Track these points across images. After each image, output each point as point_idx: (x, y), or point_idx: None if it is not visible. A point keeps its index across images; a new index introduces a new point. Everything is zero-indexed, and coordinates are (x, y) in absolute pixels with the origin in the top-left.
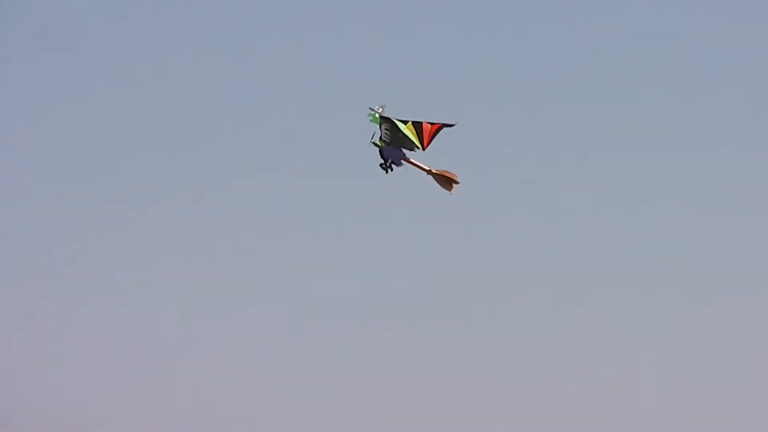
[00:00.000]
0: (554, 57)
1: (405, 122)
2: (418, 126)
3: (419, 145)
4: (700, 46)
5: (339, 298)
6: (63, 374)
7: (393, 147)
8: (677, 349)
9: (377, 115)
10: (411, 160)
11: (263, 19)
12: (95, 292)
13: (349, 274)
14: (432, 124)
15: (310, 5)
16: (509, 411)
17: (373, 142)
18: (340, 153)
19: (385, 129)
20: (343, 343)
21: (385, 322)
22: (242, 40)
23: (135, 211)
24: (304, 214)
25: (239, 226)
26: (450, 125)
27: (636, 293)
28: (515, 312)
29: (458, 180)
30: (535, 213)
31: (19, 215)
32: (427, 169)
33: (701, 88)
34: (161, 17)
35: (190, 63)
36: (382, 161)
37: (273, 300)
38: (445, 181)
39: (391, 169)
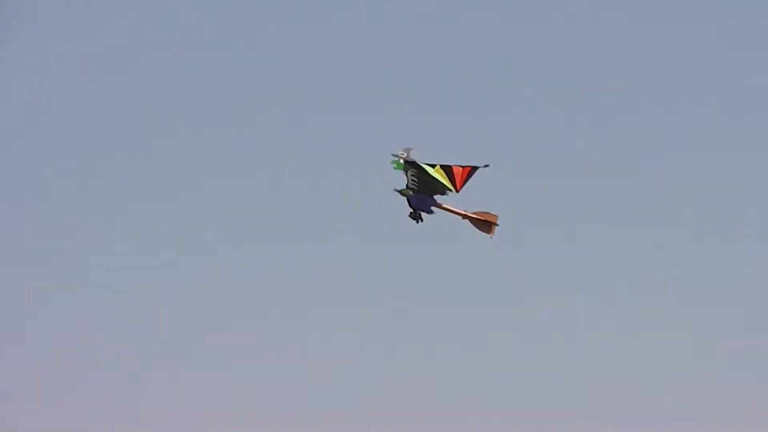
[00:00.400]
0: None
1: (433, 166)
2: (447, 169)
3: (451, 188)
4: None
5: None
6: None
7: (422, 194)
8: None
9: (401, 161)
10: (443, 205)
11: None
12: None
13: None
14: (463, 167)
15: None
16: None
17: (399, 191)
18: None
19: (412, 175)
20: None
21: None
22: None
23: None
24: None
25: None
26: (483, 167)
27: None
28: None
29: (498, 222)
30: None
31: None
32: (463, 213)
33: None
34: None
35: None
36: (412, 211)
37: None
38: (484, 223)
39: (422, 220)
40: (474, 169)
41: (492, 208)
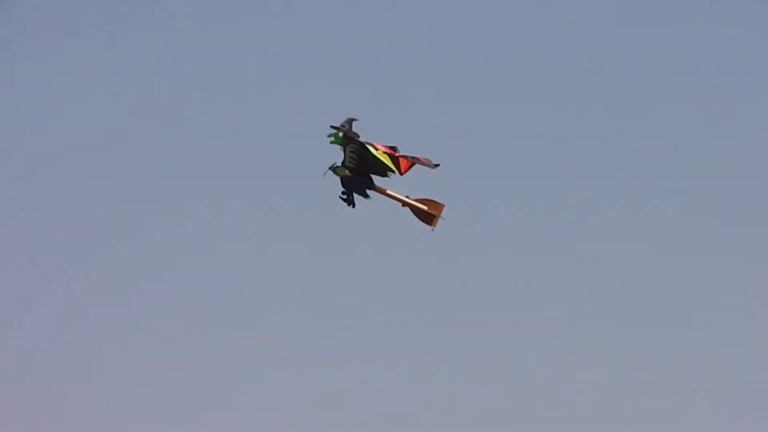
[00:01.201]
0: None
1: (368, 143)
2: (392, 158)
3: (394, 169)
4: None
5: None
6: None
7: (358, 175)
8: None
9: (340, 134)
10: (381, 188)
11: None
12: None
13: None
14: (410, 159)
15: None
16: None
17: (332, 169)
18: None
19: (350, 152)
20: None
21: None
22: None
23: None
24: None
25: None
26: (433, 166)
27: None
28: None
29: (442, 213)
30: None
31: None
32: (404, 199)
33: None
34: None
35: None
36: (344, 192)
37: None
38: (426, 213)
39: (354, 205)
40: (418, 162)
41: (439, 197)
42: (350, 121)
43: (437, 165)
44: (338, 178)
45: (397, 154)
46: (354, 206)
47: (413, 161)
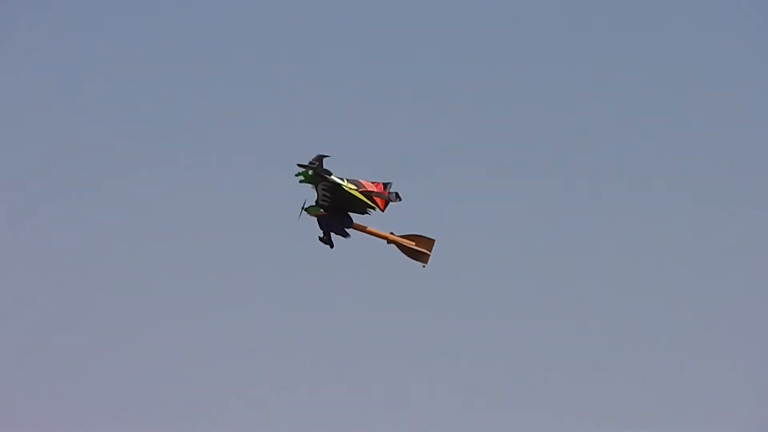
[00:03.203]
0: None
1: (351, 180)
2: (356, 183)
3: (373, 205)
4: None
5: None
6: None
7: (335, 213)
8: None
9: (309, 173)
10: (362, 226)
11: None
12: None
13: None
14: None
15: None
16: None
17: (305, 209)
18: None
19: (323, 190)
20: None
21: None
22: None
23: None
24: None
25: None
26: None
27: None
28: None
29: (431, 250)
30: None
31: None
32: (389, 236)
33: None
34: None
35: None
36: (323, 234)
37: None
38: (416, 251)
39: (333, 245)
40: (385, 186)
41: (427, 231)
42: (320, 158)
43: (400, 199)
44: (314, 219)
45: (380, 191)
46: (333, 246)
47: (379, 196)
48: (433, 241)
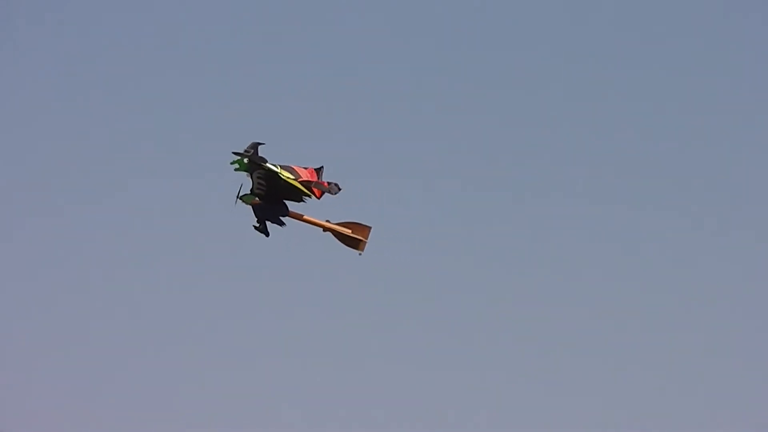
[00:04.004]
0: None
1: (285, 167)
2: (290, 170)
3: (309, 193)
4: None
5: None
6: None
7: (270, 201)
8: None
9: (245, 160)
10: (297, 214)
11: None
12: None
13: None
14: (315, 185)
15: None
16: None
17: (240, 198)
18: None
19: (258, 178)
20: None
21: None
22: None
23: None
24: None
25: None
26: (334, 191)
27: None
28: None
29: (367, 237)
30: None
31: None
32: (325, 224)
33: None
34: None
35: None
36: (258, 222)
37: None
38: (352, 238)
39: (268, 234)
40: (318, 171)
41: (362, 218)
42: (255, 145)
43: (339, 189)
44: (249, 207)
45: (310, 179)
46: (268, 235)
47: (318, 186)
48: (370, 228)
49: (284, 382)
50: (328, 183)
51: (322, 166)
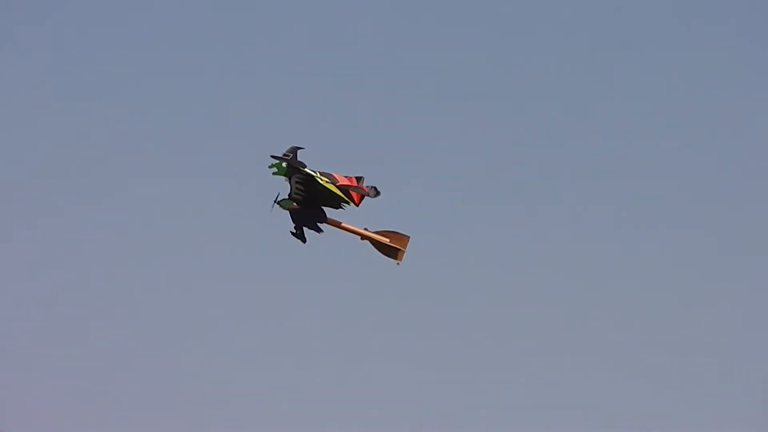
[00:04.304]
0: None
1: (324, 173)
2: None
3: (347, 200)
4: None
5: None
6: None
7: (309, 207)
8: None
9: (283, 165)
10: (336, 221)
11: None
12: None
13: None
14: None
15: None
16: None
17: (278, 203)
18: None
19: (297, 183)
20: None
21: None
22: None
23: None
24: None
25: None
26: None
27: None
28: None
29: (406, 247)
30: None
31: None
32: (363, 232)
33: None
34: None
35: None
36: (295, 229)
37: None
38: (390, 247)
39: (305, 240)
40: (358, 180)
41: (402, 227)
42: (294, 149)
43: (378, 193)
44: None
45: (355, 185)
46: (305, 241)
47: (357, 190)
48: (408, 237)
49: (284, 382)
50: (368, 187)
51: (362, 176)
